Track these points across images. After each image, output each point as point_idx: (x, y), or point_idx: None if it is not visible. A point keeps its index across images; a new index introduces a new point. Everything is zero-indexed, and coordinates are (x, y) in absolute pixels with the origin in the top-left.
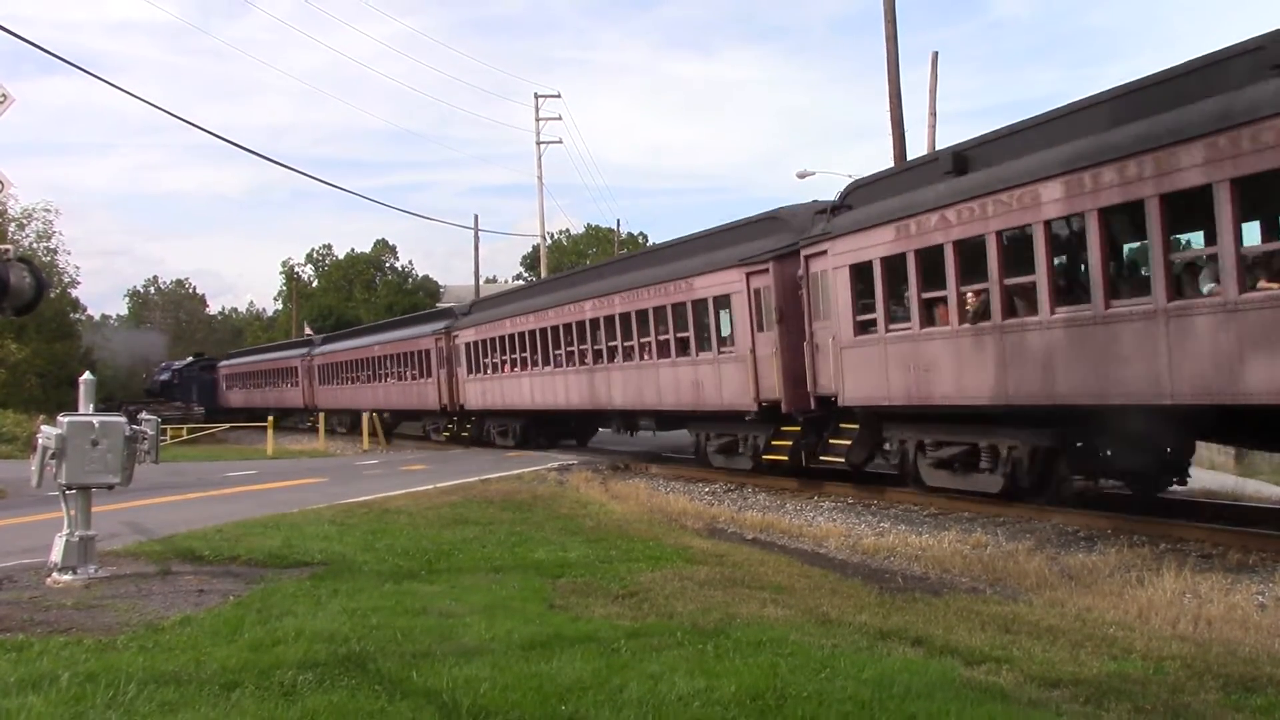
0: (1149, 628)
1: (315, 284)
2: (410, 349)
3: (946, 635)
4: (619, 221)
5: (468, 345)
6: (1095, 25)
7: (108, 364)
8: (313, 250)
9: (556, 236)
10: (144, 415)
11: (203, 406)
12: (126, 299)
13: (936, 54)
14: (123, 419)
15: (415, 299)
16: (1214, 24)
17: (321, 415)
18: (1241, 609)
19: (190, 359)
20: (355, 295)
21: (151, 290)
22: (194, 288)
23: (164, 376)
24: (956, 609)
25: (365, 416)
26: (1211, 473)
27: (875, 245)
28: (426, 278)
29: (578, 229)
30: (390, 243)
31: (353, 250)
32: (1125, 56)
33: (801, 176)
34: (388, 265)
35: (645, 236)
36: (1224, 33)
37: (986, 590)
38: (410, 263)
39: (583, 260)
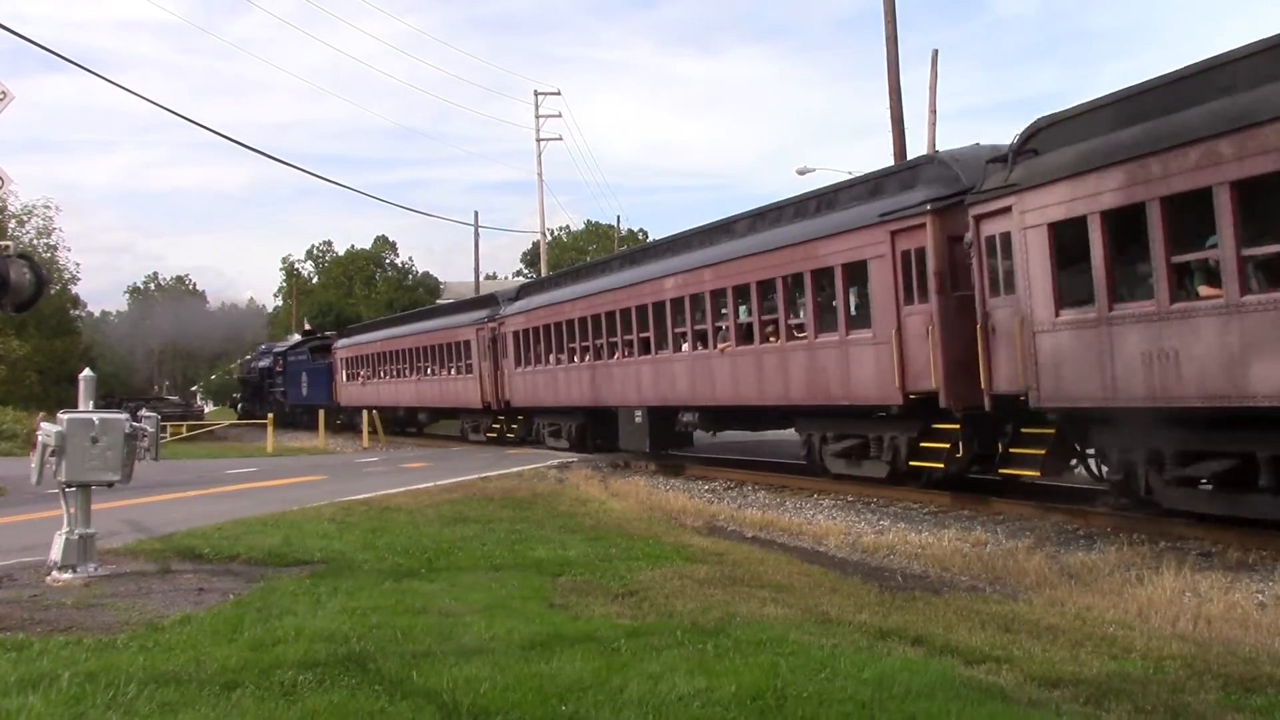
0: (1149, 627)
1: (315, 280)
2: (447, 340)
3: (946, 634)
4: (619, 218)
5: (516, 335)
6: (1095, 26)
7: (108, 359)
8: (313, 247)
9: (556, 233)
10: (144, 412)
11: (318, 404)
12: (127, 295)
13: (936, 52)
14: (124, 416)
15: (415, 295)
16: (1215, 25)
17: (366, 414)
18: (1241, 608)
19: (298, 337)
20: (355, 291)
21: (152, 287)
22: (194, 284)
23: (263, 362)
24: (956, 608)
25: (365, 414)
26: None
27: (1096, 194)
28: (426, 274)
29: (578, 225)
30: (390, 239)
31: (353, 247)
32: (1126, 56)
33: (802, 173)
34: (388, 262)
35: (645, 233)
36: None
37: (986, 589)
38: (410, 259)
39: (582, 257)
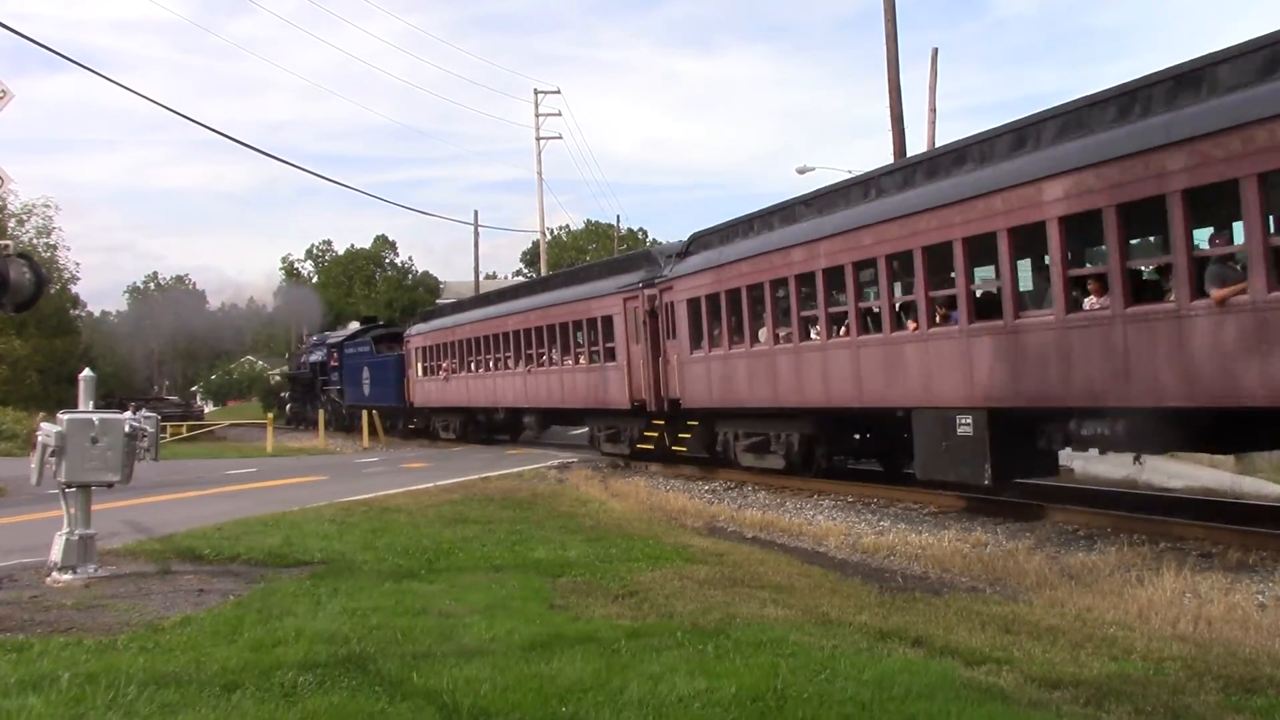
0: (1149, 628)
1: (315, 280)
2: (575, 317)
3: (947, 635)
4: (619, 217)
5: (692, 305)
6: (1098, 25)
7: (108, 359)
8: (312, 246)
9: (556, 232)
10: (144, 413)
11: (384, 404)
12: (126, 295)
13: (936, 51)
14: (124, 416)
15: (414, 295)
16: (1216, 24)
17: (366, 414)
18: (1242, 609)
19: (357, 325)
20: (355, 291)
21: (152, 286)
22: (194, 284)
23: (316, 355)
24: (957, 609)
25: (365, 414)
26: (1211, 470)
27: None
28: (426, 274)
29: (578, 225)
30: (390, 239)
31: (353, 246)
32: (1128, 55)
33: (801, 172)
34: (387, 261)
35: (645, 232)
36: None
37: (986, 590)
38: (410, 259)
39: (582, 257)
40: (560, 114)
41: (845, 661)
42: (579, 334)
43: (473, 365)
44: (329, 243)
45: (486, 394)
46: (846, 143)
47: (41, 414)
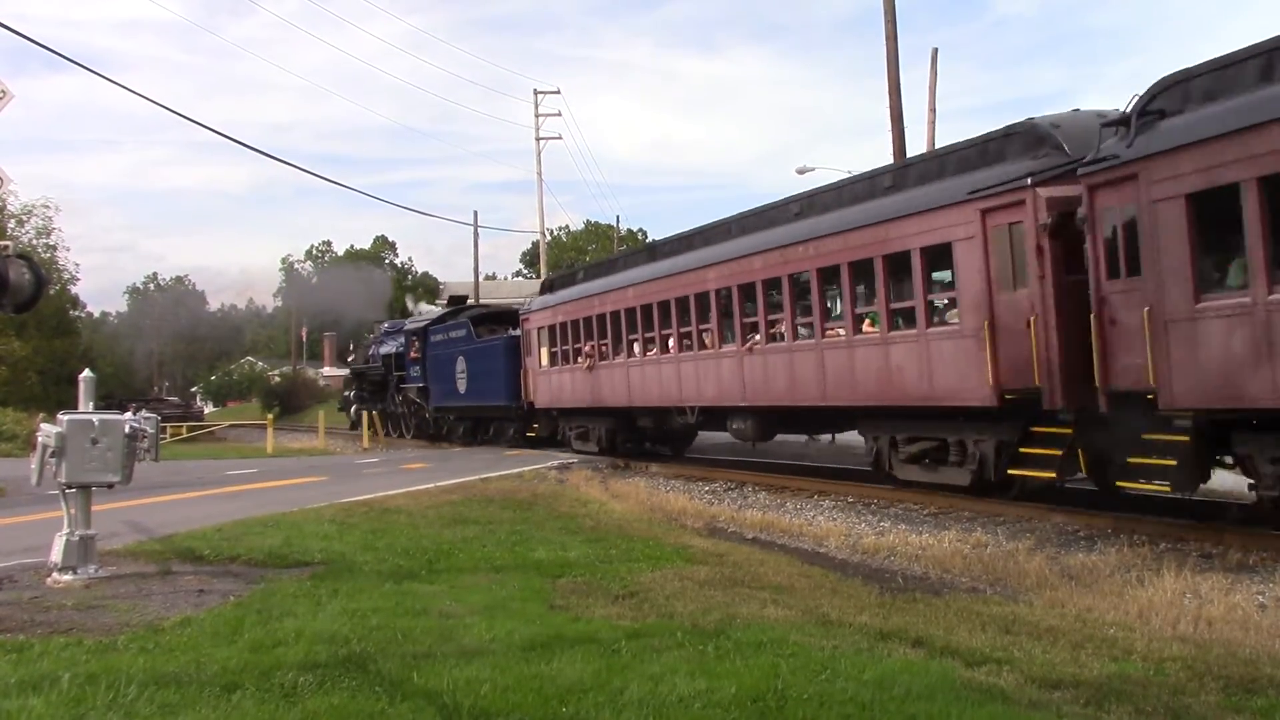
0: (1149, 628)
1: (315, 281)
2: (856, 256)
3: (947, 636)
4: (618, 218)
5: (1192, 202)
6: (1096, 25)
7: (108, 360)
8: (312, 247)
9: (556, 233)
10: (144, 413)
11: (490, 404)
12: (126, 295)
13: (936, 50)
14: (124, 416)
15: (414, 296)
16: (1216, 24)
17: (365, 415)
18: (1242, 609)
19: (442, 308)
20: (355, 292)
21: (151, 287)
22: (193, 284)
23: (389, 346)
24: (957, 609)
25: (364, 415)
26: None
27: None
28: (426, 274)
29: (578, 225)
30: (390, 239)
31: (352, 247)
32: (1132, 54)
33: (801, 172)
34: (387, 262)
35: (645, 233)
36: (1230, 35)
37: (987, 590)
38: (410, 259)
39: (581, 257)
40: (560, 114)
41: (846, 662)
42: (866, 281)
43: (635, 348)
44: (329, 243)
45: (663, 388)
46: (848, 142)
47: (41, 415)
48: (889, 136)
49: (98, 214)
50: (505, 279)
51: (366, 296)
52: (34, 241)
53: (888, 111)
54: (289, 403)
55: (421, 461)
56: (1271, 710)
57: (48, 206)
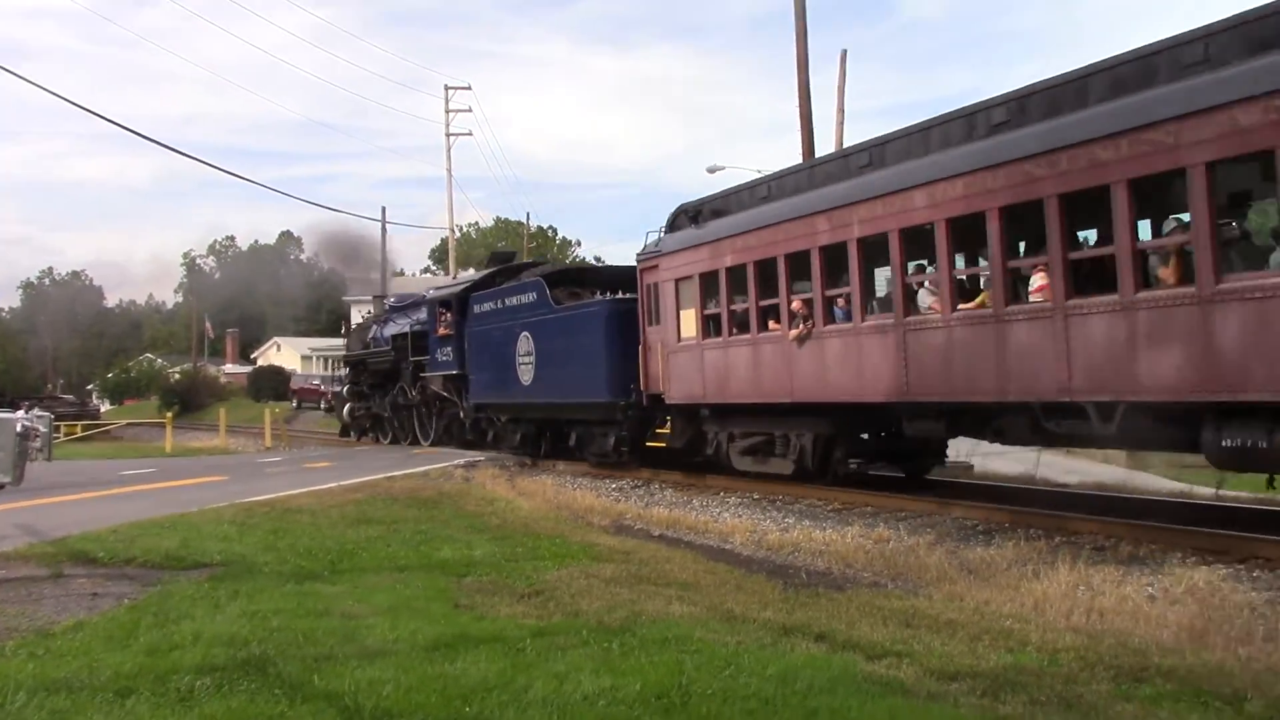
0: (1044, 620)
1: (217, 276)
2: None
3: (849, 630)
4: (528, 215)
5: None
6: (1005, 29)
7: None
8: (215, 242)
9: (466, 230)
10: (37, 412)
11: (581, 398)
12: (20, 291)
13: (845, 52)
14: (16, 415)
15: (321, 292)
16: (1126, 27)
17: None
18: (1133, 600)
19: (477, 273)
20: (259, 288)
21: (46, 282)
22: (91, 280)
23: (399, 325)
24: (859, 604)
25: (267, 413)
26: (1104, 466)
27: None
28: (332, 270)
29: (488, 222)
30: (295, 234)
31: (256, 242)
32: (1040, 56)
33: (711, 171)
34: (292, 258)
35: (554, 230)
36: (1135, 36)
37: (888, 585)
38: (316, 254)
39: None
40: (471, 110)
41: (749, 657)
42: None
43: (928, 298)
44: (232, 238)
45: (962, 379)
46: (759, 142)
47: None
48: (799, 135)
49: None
50: (414, 275)
51: (273, 292)
52: None
53: (798, 112)
54: (189, 401)
55: (326, 460)
56: (1159, 698)
57: None
